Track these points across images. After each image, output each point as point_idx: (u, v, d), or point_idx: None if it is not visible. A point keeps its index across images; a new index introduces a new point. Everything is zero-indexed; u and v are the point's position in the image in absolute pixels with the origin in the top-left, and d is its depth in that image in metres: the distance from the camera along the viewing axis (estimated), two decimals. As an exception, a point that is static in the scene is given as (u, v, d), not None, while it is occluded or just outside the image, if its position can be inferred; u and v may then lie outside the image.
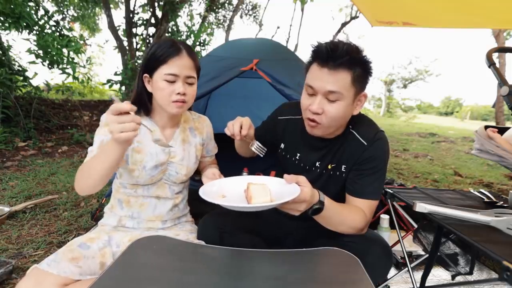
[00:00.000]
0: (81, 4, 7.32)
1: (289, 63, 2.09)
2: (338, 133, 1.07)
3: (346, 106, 0.95)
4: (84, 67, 5.42)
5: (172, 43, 1.02)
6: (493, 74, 1.11)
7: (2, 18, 4.15)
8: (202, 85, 1.78)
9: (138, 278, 0.68)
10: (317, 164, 1.11)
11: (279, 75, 1.89)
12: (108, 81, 5.57)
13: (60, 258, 0.91)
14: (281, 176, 1.24)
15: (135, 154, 1.08)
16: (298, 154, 1.15)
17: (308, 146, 1.13)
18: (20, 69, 4.31)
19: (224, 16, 10.83)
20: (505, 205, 1.27)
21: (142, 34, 6.50)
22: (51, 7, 6.27)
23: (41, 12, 4.59)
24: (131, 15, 6.24)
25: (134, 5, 6.38)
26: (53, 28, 4.73)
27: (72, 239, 1.04)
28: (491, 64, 1.12)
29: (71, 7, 7.41)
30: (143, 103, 1.09)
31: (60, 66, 4.59)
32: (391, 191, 1.44)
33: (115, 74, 5.66)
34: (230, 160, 1.41)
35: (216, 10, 10.12)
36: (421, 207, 1.10)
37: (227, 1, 10.20)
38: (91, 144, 1.08)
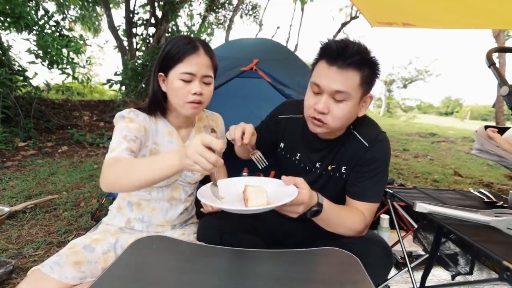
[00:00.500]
0: (81, 3, 7.32)
1: (289, 63, 2.09)
2: (339, 133, 1.05)
3: (352, 107, 0.93)
4: (83, 67, 5.43)
5: (189, 40, 0.97)
6: (493, 74, 1.11)
7: (2, 18, 4.16)
8: (202, 85, 1.77)
9: (138, 278, 0.68)
10: (317, 165, 1.10)
11: (279, 75, 1.89)
12: (108, 81, 5.57)
13: (64, 262, 0.90)
14: (281, 176, 1.24)
15: (152, 156, 1.06)
16: (298, 154, 1.14)
17: (309, 146, 1.12)
18: (20, 69, 4.32)
19: (224, 16, 10.84)
20: (505, 205, 1.27)
21: (142, 34, 6.50)
22: (52, 7, 6.27)
23: (41, 12, 4.59)
24: (131, 15, 6.25)
25: (134, 5, 6.39)
26: (53, 28, 4.74)
27: (72, 239, 1.04)
28: (491, 64, 1.12)
29: (72, 7, 7.41)
30: (159, 103, 1.04)
31: (60, 66, 4.60)
32: (391, 191, 1.44)
33: (115, 74, 5.67)
34: (230, 160, 1.41)
35: (216, 10, 10.12)
36: (421, 207, 1.10)
37: (227, 1, 10.21)
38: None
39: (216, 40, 17.63)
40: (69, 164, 3.33)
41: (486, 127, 1.29)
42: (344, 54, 0.88)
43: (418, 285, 1.27)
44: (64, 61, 4.64)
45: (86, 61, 5.66)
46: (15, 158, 3.32)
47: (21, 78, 4.32)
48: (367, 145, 1.02)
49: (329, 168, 1.08)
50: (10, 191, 2.41)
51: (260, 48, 2.18)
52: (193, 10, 8.96)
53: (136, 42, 6.54)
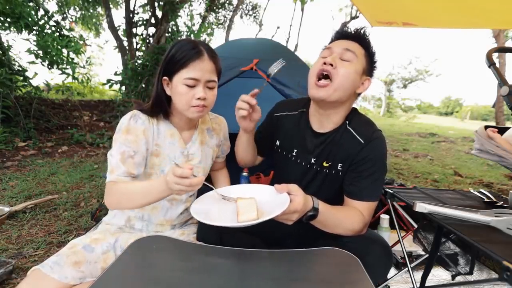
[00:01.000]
0: (81, 3, 7.32)
1: (289, 63, 2.08)
2: (334, 123, 1.06)
3: (355, 72, 0.99)
4: (83, 67, 5.43)
5: (193, 45, 0.97)
6: (493, 74, 1.11)
7: (2, 18, 4.16)
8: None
9: (138, 278, 0.68)
10: (313, 160, 1.10)
11: (279, 75, 1.88)
12: (108, 81, 5.57)
13: (64, 262, 0.90)
14: (279, 176, 1.23)
15: (153, 158, 1.06)
16: (295, 150, 1.14)
17: (304, 141, 1.11)
18: (20, 69, 4.32)
19: (224, 16, 10.84)
20: (505, 205, 1.27)
21: (142, 34, 6.51)
22: (53, 7, 6.28)
23: (41, 12, 4.60)
24: (131, 15, 6.25)
25: (134, 5, 6.39)
26: (53, 28, 4.74)
27: (72, 239, 1.04)
28: (491, 64, 1.12)
29: (72, 7, 7.41)
30: (162, 106, 1.05)
31: (60, 66, 4.60)
32: (391, 191, 1.44)
33: (115, 74, 5.67)
34: (230, 161, 1.41)
35: (216, 10, 10.12)
36: (421, 207, 1.10)
37: (227, 1, 10.21)
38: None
39: (216, 40, 17.63)
40: (69, 164, 3.33)
41: (486, 127, 1.29)
42: (357, 34, 1.04)
43: (418, 285, 1.27)
44: (64, 61, 4.65)
45: (86, 61, 5.66)
46: (15, 158, 3.32)
47: (21, 78, 4.32)
48: (362, 142, 1.02)
49: (325, 164, 1.08)
50: (10, 191, 2.41)
51: (260, 48, 2.18)
52: (193, 10, 8.97)
53: (136, 42, 6.54)
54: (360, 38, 1.03)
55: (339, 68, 0.98)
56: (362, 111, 1.09)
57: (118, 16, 13.95)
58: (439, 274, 1.67)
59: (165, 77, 1.01)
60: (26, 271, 0.91)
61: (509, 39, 9.16)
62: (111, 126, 5.06)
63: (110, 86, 5.67)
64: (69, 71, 4.74)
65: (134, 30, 6.41)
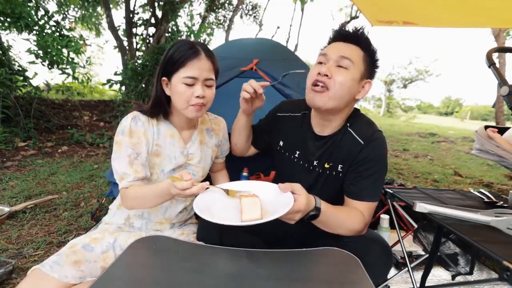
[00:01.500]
0: (81, 3, 7.32)
1: (289, 63, 2.09)
2: (335, 126, 1.06)
3: (353, 79, 0.97)
4: (83, 67, 5.43)
5: (190, 45, 1.00)
6: (493, 74, 1.11)
7: (2, 18, 4.16)
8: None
9: (138, 278, 0.68)
10: (315, 162, 1.10)
11: (279, 75, 1.88)
12: (108, 81, 5.57)
13: (64, 261, 0.90)
14: (281, 177, 1.23)
15: (154, 157, 1.08)
16: (297, 152, 1.14)
17: (306, 143, 1.12)
18: (20, 69, 4.32)
19: (224, 16, 10.83)
20: (505, 205, 1.27)
21: (142, 34, 6.50)
22: (53, 7, 6.28)
23: (41, 12, 4.59)
24: (131, 15, 6.25)
25: (134, 5, 6.39)
26: (53, 28, 4.74)
27: (72, 239, 1.04)
28: (491, 64, 1.12)
29: (72, 7, 7.41)
30: (162, 106, 1.07)
31: (60, 66, 4.60)
32: (391, 191, 1.44)
33: (115, 74, 5.67)
34: (230, 160, 1.42)
35: (216, 10, 10.12)
36: (421, 207, 1.10)
37: (227, 1, 10.21)
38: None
39: (216, 40, 17.65)
40: (69, 164, 3.33)
41: (486, 127, 1.29)
42: (354, 33, 1.00)
43: (418, 285, 1.27)
44: (64, 61, 4.65)
45: (86, 61, 5.66)
46: (15, 158, 3.32)
47: (21, 78, 4.32)
48: (362, 143, 1.02)
49: (326, 166, 1.09)
50: (10, 191, 2.41)
51: (260, 48, 2.18)
52: (193, 10, 8.97)
53: (136, 42, 6.54)
54: (358, 39, 1.00)
55: (335, 77, 0.97)
56: (362, 111, 1.09)
57: (118, 16, 13.95)
58: (439, 274, 1.67)
59: (164, 78, 1.03)
60: (26, 271, 0.91)
61: (510, 38, 9.14)
62: (111, 126, 5.06)
63: (110, 86, 5.67)
64: (69, 71, 4.74)
65: (134, 30, 6.41)
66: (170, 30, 6.61)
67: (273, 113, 1.25)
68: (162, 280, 0.67)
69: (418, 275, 1.41)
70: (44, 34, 4.48)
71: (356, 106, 1.11)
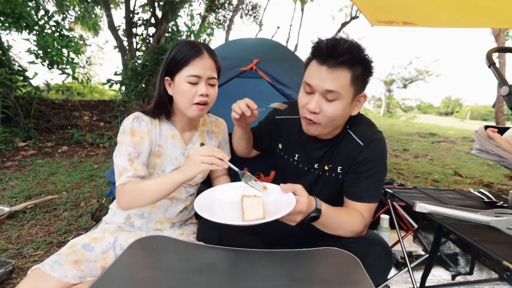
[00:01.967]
0: (80, 3, 7.32)
1: (289, 63, 2.09)
2: (335, 133, 1.05)
3: (345, 106, 0.93)
4: (83, 67, 5.43)
5: (192, 44, 1.01)
6: (493, 74, 1.11)
7: (2, 18, 4.16)
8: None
9: (138, 278, 0.68)
10: (316, 165, 1.10)
11: (279, 75, 1.89)
12: (108, 81, 5.57)
13: (64, 261, 0.91)
14: (281, 178, 1.23)
15: (155, 158, 1.08)
16: (297, 155, 1.14)
17: (306, 147, 1.12)
18: (20, 69, 4.32)
19: (224, 16, 10.82)
20: (505, 205, 1.27)
21: (142, 34, 6.50)
22: (52, 7, 6.27)
23: (41, 12, 4.60)
24: (131, 15, 6.24)
25: (134, 5, 6.38)
26: (53, 28, 4.74)
27: (72, 239, 1.04)
28: (491, 64, 1.12)
29: (72, 7, 7.41)
30: (164, 106, 1.07)
31: (60, 66, 4.60)
32: (391, 191, 1.44)
33: (115, 74, 5.66)
34: (230, 160, 1.42)
35: (216, 10, 10.11)
36: (421, 207, 1.10)
37: (227, 1, 10.20)
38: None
39: (216, 40, 17.62)
40: (69, 164, 3.32)
41: (486, 127, 1.29)
42: (334, 53, 0.87)
43: (418, 285, 1.27)
44: (64, 61, 4.65)
45: (86, 61, 5.66)
46: (15, 158, 3.32)
47: (21, 78, 4.32)
48: (362, 144, 1.01)
49: (326, 168, 1.08)
50: (10, 191, 2.41)
51: (260, 48, 2.18)
52: (193, 10, 8.96)
53: (136, 42, 6.53)
54: (341, 60, 0.87)
55: (324, 112, 0.92)
56: (362, 111, 1.08)
57: (118, 16, 13.95)
58: (439, 274, 1.67)
59: (167, 78, 1.03)
60: (26, 271, 0.91)
61: (509, 38, 9.14)
62: (111, 126, 5.06)
63: (110, 86, 5.66)
64: (69, 71, 4.75)
65: (134, 30, 6.40)
66: (170, 30, 6.61)
67: (272, 116, 1.25)
68: (162, 280, 0.67)
69: (418, 275, 1.42)
70: (44, 34, 4.48)
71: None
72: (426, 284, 1.32)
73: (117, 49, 6.50)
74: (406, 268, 1.35)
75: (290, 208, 0.77)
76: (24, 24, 4.23)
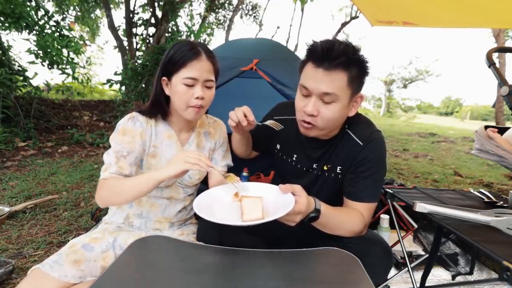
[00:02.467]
0: (80, 3, 7.32)
1: (289, 63, 2.09)
2: (334, 133, 1.05)
3: (342, 107, 0.93)
4: (83, 67, 5.43)
5: (191, 46, 1.00)
6: (493, 74, 1.11)
7: (2, 18, 4.16)
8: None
9: (138, 278, 0.68)
10: (314, 165, 1.10)
11: (279, 75, 1.89)
12: (108, 81, 5.57)
13: (64, 261, 0.91)
14: (280, 177, 1.23)
15: (150, 159, 1.08)
16: (295, 156, 1.14)
17: (305, 147, 1.11)
18: (20, 69, 4.32)
19: (224, 16, 10.83)
20: (505, 205, 1.27)
21: (142, 34, 6.50)
22: (52, 7, 6.27)
23: (41, 12, 4.60)
24: (131, 15, 6.25)
25: (134, 5, 6.39)
26: (53, 29, 4.74)
27: (72, 239, 1.04)
28: (491, 64, 1.12)
29: (72, 8, 7.41)
30: (160, 106, 1.07)
31: (60, 66, 4.60)
32: (391, 191, 1.44)
33: (115, 74, 5.67)
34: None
35: (216, 10, 10.12)
36: (421, 207, 1.10)
37: (227, 1, 10.20)
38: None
39: (216, 40, 17.64)
40: (69, 164, 3.32)
41: (486, 127, 1.29)
42: (330, 55, 0.87)
43: (418, 285, 1.27)
44: (64, 61, 4.65)
45: (86, 61, 5.66)
46: (15, 158, 3.32)
47: (21, 78, 4.32)
48: (361, 143, 1.01)
49: (325, 168, 1.08)
50: (10, 191, 2.41)
51: (260, 48, 2.18)
52: (193, 10, 8.96)
53: (136, 42, 6.54)
54: (337, 63, 0.87)
55: (322, 114, 0.92)
56: (362, 111, 1.08)
57: (118, 16, 13.96)
58: (439, 274, 1.67)
59: (164, 78, 1.03)
60: (26, 271, 0.91)
61: (509, 38, 9.14)
62: (111, 126, 5.06)
63: (110, 86, 5.67)
64: (69, 71, 4.75)
65: (134, 30, 6.41)
66: (170, 30, 6.62)
67: (270, 117, 1.24)
68: (162, 280, 0.67)
69: (418, 275, 1.41)
70: (44, 34, 4.48)
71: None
72: (426, 284, 1.32)
73: (117, 49, 6.51)
74: (406, 268, 1.35)
75: (289, 208, 0.77)
76: (24, 24, 4.23)
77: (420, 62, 30.66)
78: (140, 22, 6.43)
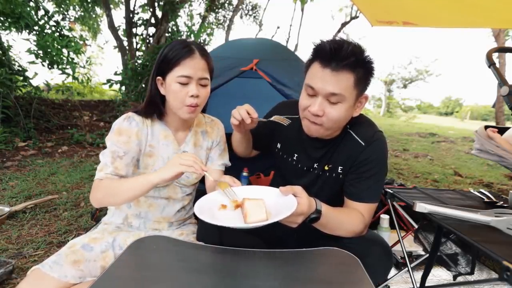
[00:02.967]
0: (80, 3, 7.32)
1: (289, 63, 2.09)
2: (336, 134, 1.05)
3: (347, 108, 0.93)
4: (84, 67, 5.43)
5: (185, 44, 1.00)
6: (493, 74, 1.11)
7: (2, 18, 4.16)
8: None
9: (138, 278, 0.68)
10: (315, 165, 1.10)
11: (279, 75, 1.89)
12: (108, 81, 5.57)
13: (63, 261, 0.91)
14: (280, 177, 1.23)
15: (147, 158, 1.08)
16: (296, 155, 1.14)
17: (306, 147, 1.11)
18: (20, 69, 4.32)
19: (224, 16, 10.83)
20: (505, 205, 1.27)
21: (142, 34, 6.50)
22: (52, 7, 6.27)
23: (41, 12, 4.60)
24: (131, 15, 6.24)
25: (134, 5, 6.38)
26: (53, 28, 4.74)
27: (72, 239, 1.04)
28: (491, 64, 1.12)
29: (71, 7, 7.41)
30: (155, 106, 1.07)
31: (60, 66, 4.60)
32: (391, 191, 1.44)
33: (115, 74, 5.67)
34: (230, 160, 1.42)
35: (216, 10, 10.11)
36: (421, 207, 1.10)
37: (227, 1, 10.20)
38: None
39: (216, 40, 17.63)
40: (69, 164, 3.32)
41: (486, 127, 1.29)
42: (338, 55, 0.87)
43: (418, 285, 1.27)
44: (64, 61, 4.65)
45: (86, 61, 5.66)
46: (15, 158, 3.32)
47: (21, 78, 4.32)
48: (363, 144, 1.01)
49: (326, 168, 1.08)
50: (10, 191, 2.41)
51: (260, 48, 2.18)
52: (193, 10, 8.96)
53: (136, 42, 6.54)
54: (345, 63, 0.87)
55: (328, 114, 0.92)
56: (362, 111, 1.08)
57: (118, 16, 13.96)
58: (439, 274, 1.67)
59: (159, 77, 1.03)
60: (26, 271, 0.91)
61: (509, 38, 9.15)
62: (111, 126, 5.03)
63: (110, 86, 5.67)
64: (69, 71, 4.74)
65: (134, 30, 6.40)
66: (170, 30, 6.61)
67: (270, 116, 1.24)
68: (162, 280, 0.67)
69: (418, 275, 1.41)
70: (44, 34, 4.48)
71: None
72: (426, 284, 1.32)
73: (117, 49, 6.51)
74: (406, 268, 1.35)
75: (292, 210, 0.77)
76: (24, 24, 4.23)
77: (420, 62, 30.73)
78: (140, 22, 6.43)
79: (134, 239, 1.03)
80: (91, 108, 5.63)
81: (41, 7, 4.63)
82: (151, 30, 6.50)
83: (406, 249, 1.41)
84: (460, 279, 1.62)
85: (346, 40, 0.91)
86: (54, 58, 4.48)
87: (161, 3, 6.28)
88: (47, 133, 4.36)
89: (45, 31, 4.56)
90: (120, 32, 6.39)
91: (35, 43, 4.35)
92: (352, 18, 12.45)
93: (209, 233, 1.02)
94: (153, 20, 6.43)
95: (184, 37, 6.85)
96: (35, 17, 4.45)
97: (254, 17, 12.19)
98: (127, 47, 6.43)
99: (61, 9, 6.22)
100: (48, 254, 1.61)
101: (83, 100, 5.85)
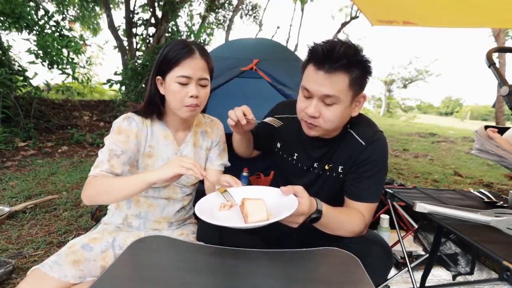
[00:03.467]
0: (80, 3, 7.32)
1: (289, 63, 2.09)
2: (336, 133, 1.05)
3: (344, 109, 0.93)
4: (84, 67, 5.43)
5: (185, 44, 0.99)
6: (493, 74, 1.11)
7: (2, 18, 4.16)
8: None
9: (138, 278, 0.68)
10: (315, 164, 1.10)
11: (279, 75, 1.89)
12: (108, 81, 5.57)
13: (63, 261, 0.91)
14: (280, 177, 1.23)
15: (147, 158, 1.08)
16: (296, 154, 1.14)
17: (306, 146, 1.11)
18: (20, 69, 4.32)
19: (224, 16, 10.83)
20: (505, 205, 1.27)
21: (142, 34, 6.50)
22: (52, 7, 6.27)
23: (41, 12, 4.60)
24: (131, 15, 6.24)
25: (134, 5, 6.38)
26: (53, 28, 4.74)
27: (72, 239, 1.04)
28: (491, 64, 1.12)
29: (71, 7, 7.41)
30: (155, 106, 1.07)
31: (60, 66, 4.60)
32: (391, 191, 1.44)
33: (115, 74, 5.67)
34: (230, 160, 1.42)
35: (216, 10, 10.11)
36: (421, 207, 1.10)
37: (227, 1, 10.20)
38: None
39: (216, 40, 17.64)
40: (69, 164, 3.32)
41: (486, 127, 1.29)
42: (331, 57, 0.86)
43: (418, 285, 1.27)
44: (64, 61, 4.65)
45: (86, 61, 5.67)
46: (15, 158, 3.32)
47: (21, 78, 4.32)
48: (363, 143, 1.01)
49: (326, 167, 1.08)
50: (10, 191, 2.41)
51: (260, 48, 2.18)
52: (193, 10, 8.95)
53: (136, 42, 6.54)
54: (338, 65, 0.86)
55: (324, 116, 0.93)
56: (362, 111, 1.07)
57: (118, 16, 13.94)
58: (439, 274, 1.67)
59: (158, 77, 1.03)
60: (26, 271, 0.91)
61: (509, 38, 9.15)
62: (111, 126, 5.05)
63: (110, 86, 5.67)
64: (69, 71, 4.74)
65: (134, 30, 6.40)
66: (170, 30, 6.61)
67: (270, 116, 1.24)
68: (162, 280, 0.67)
69: (418, 275, 1.42)
70: (44, 34, 4.48)
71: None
72: (426, 284, 1.32)
73: (117, 49, 6.51)
74: (406, 268, 1.35)
75: (293, 209, 0.77)
76: (24, 24, 4.23)
77: (420, 62, 30.76)
78: (140, 22, 6.43)
79: (134, 239, 1.03)
80: (91, 108, 5.63)
81: (41, 7, 4.63)
82: (151, 30, 6.50)
83: (406, 249, 1.41)
84: (460, 279, 1.62)
85: (340, 41, 0.90)
86: (54, 58, 4.48)
87: (161, 3, 6.28)
88: (47, 133, 4.36)
89: (45, 31, 4.56)
90: (120, 32, 6.39)
91: (35, 43, 4.35)
92: (352, 18, 12.46)
93: (209, 233, 1.02)
94: (153, 20, 6.43)
95: (184, 37, 6.85)
96: (35, 17, 4.45)
97: (254, 17, 12.19)
98: (127, 47, 6.43)
99: (61, 8, 6.22)
100: (48, 254, 1.61)
101: (83, 100, 5.85)
